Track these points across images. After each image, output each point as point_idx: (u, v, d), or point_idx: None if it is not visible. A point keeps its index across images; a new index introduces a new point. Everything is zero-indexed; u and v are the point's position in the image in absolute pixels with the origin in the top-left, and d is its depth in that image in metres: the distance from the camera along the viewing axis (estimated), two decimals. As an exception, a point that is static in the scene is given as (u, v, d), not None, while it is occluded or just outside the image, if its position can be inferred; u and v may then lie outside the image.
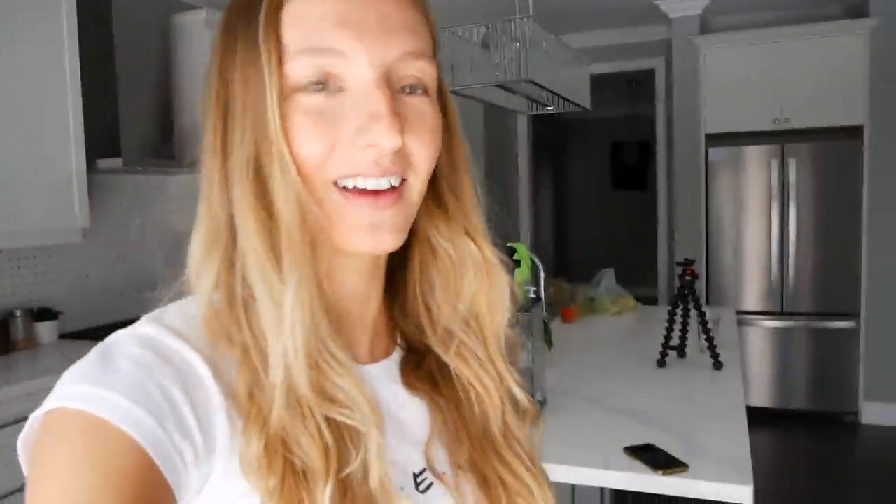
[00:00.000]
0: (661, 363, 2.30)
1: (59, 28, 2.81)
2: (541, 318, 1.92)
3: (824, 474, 3.78)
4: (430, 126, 0.55)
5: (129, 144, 3.15)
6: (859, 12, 4.34)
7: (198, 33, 3.46)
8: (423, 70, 0.55)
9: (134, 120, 3.20)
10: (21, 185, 2.66)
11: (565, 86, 2.53)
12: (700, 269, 4.60)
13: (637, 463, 1.50)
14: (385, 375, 0.63)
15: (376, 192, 0.53)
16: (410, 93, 0.55)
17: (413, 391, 0.64)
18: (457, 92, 2.37)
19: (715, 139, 4.64)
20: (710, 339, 2.25)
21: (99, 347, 0.50)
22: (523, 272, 2.29)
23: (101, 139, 3.06)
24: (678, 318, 2.37)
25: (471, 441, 0.63)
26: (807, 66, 4.35)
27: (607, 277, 3.37)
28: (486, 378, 0.64)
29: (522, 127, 5.81)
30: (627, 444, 1.59)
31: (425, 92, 0.56)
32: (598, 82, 5.23)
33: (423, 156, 0.55)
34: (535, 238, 6.24)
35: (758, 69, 4.44)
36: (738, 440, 1.62)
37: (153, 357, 0.49)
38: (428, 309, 0.65)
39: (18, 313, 2.84)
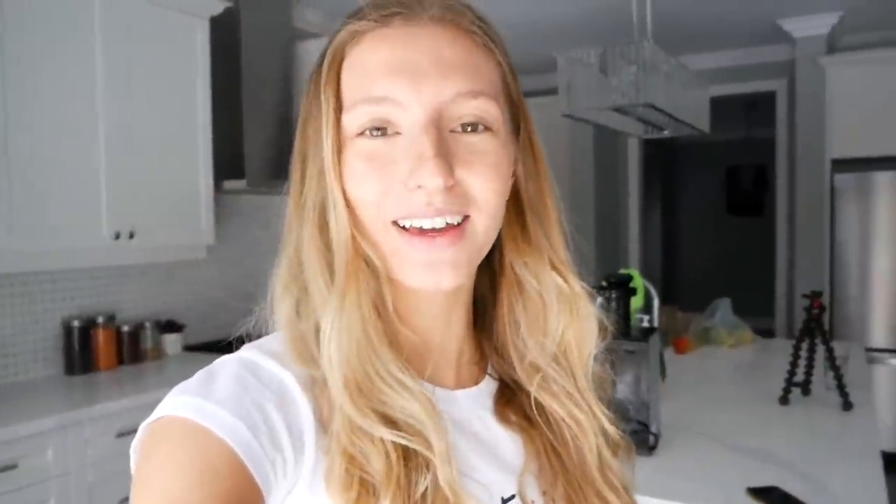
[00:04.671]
0: (784, 400, 2.18)
1: (193, 54, 3.02)
2: (657, 347, 1.86)
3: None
4: (492, 162, 0.56)
5: (252, 166, 3.32)
6: None
7: (318, 61, 3.62)
8: (482, 108, 0.55)
9: (257, 143, 3.37)
10: (154, 205, 2.85)
11: (684, 109, 2.47)
12: (823, 300, 4.32)
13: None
14: (473, 401, 0.64)
15: (433, 232, 0.54)
16: (472, 131, 0.55)
17: (506, 424, 0.64)
18: (571, 115, 2.36)
19: (842, 165, 4.38)
20: (838, 377, 2.11)
21: (204, 369, 0.54)
22: (638, 300, 2.24)
23: (227, 161, 3.24)
24: (803, 353, 2.23)
25: (566, 477, 0.63)
26: (947, 87, 4.05)
27: (723, 307, 3.23)
28: (579, 414, 0.64)
29: (633, 150, 5.69)
30: (750, 485, 1.51)
31: (487, 129, 0.56)
32: (712, 105, 5.08)
33: (484, 192, 0.55)
34: (644, 263, 6.08)
35: (891, 90, 4.17)
36: (873, 487, 1.51)
37: (251, 377, 0.53)
38: (515, 343, 0.65)
39: (148, 325, 3.04)
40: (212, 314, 3.46)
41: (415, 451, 0.52)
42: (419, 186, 0.53)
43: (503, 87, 0.59)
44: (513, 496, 0.61)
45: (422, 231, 0.54)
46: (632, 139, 5.53)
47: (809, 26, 4.38)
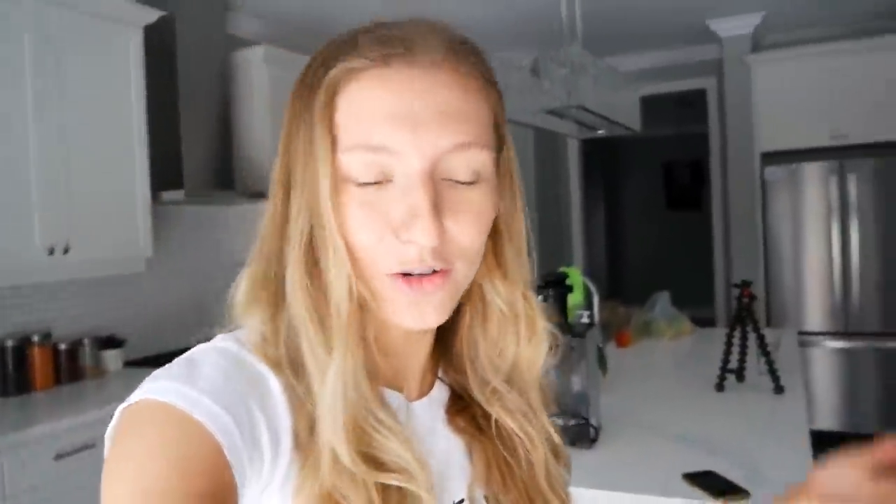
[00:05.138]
0: (720, 387, 2.26)
1: (127, 63, 2.96)
2: (595, 343, 1.91)
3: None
4: (478, 211, 0.56)
5: (190, 176, 3.28)
6: (918, 24, 4.23)
7: (256, 68, 3.60)
8: (476, 160, 0.55)
9: (196, 153, 3.33)
10: (89, 217, 2.79)
11: (615, 109, 2.54)
12: (759, 288, 4.49)
13: (697, 490, 1.48)
14: (426, 411, 0.65)
15: (420, 278, 0.54)
16: (464, 182, 0.55)
17: (457, 431, 0.66)
18: (507, 119, 2.40)
19: (770, 157, 4.55)
20: (770, 362, 2.20)
21: (183, 356, 0.53)
22: (576, 297, 2.29)
23: (165, 171, 3.19)
24: (736, 341, 2.32)
25: (515, 485, 0.65)
26: (864, 81, 4.25)
27: (662, 300, 3.32)
28: (531, 429, 0.66)
29: (573, 150, 5.80)
30: (686, 471, 1.56)
31: (479, 179, 0.56)
32: (649, 102, 5.20)
33: (469, 242, 0.56)
34: (588, 260, 6.20)
35: (813, 85, 4.36)
36: (801, 466, 1.58)
37: (234, 368, 0.53)
38: (472, 361, 0.66)
39: (86, 342, 2.96)
40: (154, 328, 3.40)
41: (396, 490, 0.53)
42: (410, 242, 0.53)
43: (494, 127, 0.59)
44: (462, 500, 0.63)
45: (409, 277, 0.54)
46: (571, 141, 5.63)
47: (734, 26, 4.54)
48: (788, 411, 2.03)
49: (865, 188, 4.27)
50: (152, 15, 3.02)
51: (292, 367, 0.55)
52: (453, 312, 0.65)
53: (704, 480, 1.51)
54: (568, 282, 1.90)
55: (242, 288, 0.58)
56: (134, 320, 3.31)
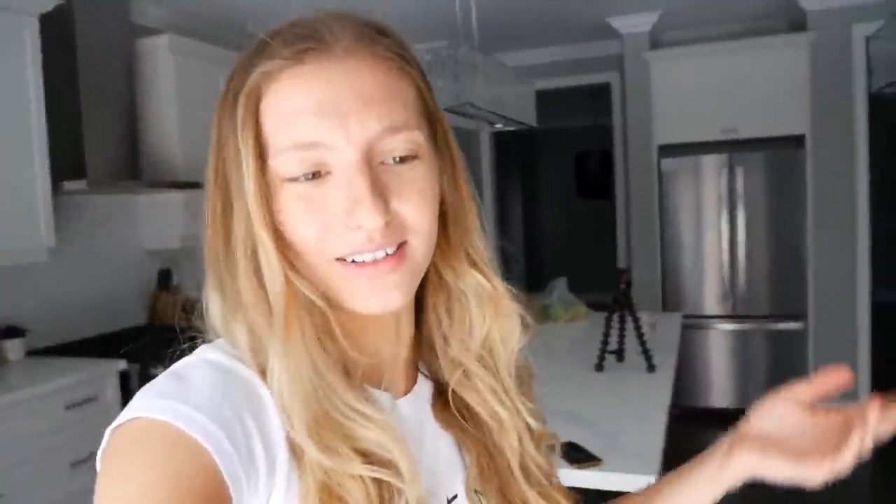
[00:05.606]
0: (599, 367, 2.44)
1: (23, 52, 2.90)
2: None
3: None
4: (421, 187, 0.57)
5: (94, 166, 3.24)
6: (801, 26, 4.54)
7: (161, 57, 3.57)
8: (409, 140, 0.56)
9: (99, 142, 3.29)
10: (-14, 209, 2.75)
11: (507, 105, 2.67)
12: (655, 274, 4.77)
13: (559, 460, 1.63)
14: (413, 406, 0.66)
15: (375, 262, 0.55)
16: (401, 161, 0.56)
17: (445, 426, 0.67)
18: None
19: (667, 150, 4.81)
20: (643, 343, 2.39)
21: (170, 370, 0.53)
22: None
23: (67, 161, 3.15)
24: (615, 324, 2.51)
25: (499, 475, 0.66)
26: (752, 79, 4.53)
27: (560, 286, 3.51)
28: (502, 412, 0.67)
29: (485, 143, 5.95)
30: (552, 443, 1.71)
31: (415, 157, 0.57)
32: (562, 95, 5.39)
33: (418, 217, 0.57)
34: (503, 250, 6.37)
35: (706, 82, 4.62)
36: (654, 436, 1.76)
37: (225, 381, 0.52)
38: (441, 342, 0.67)
39: (-15, 332, 2.92)
40: (59, 317, 3.36)
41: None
42: (358, 227, 0.54)
43: (422, 104, 0.60)
44: (455, 496, 0.64)
45: (363, 264, 0.55)
46: (483, 134, 5.78)
47: (633, 24, 4.76)
48: (656, 388, 2.22)
49: (752, 180, 4.58)
50: (48, 4, 2.97)
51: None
52: (420, 299, 0.67)
53: (566, 451, 1.67)
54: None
55: (214, 312, 0.58)
56: (37, 310, 3.27)
